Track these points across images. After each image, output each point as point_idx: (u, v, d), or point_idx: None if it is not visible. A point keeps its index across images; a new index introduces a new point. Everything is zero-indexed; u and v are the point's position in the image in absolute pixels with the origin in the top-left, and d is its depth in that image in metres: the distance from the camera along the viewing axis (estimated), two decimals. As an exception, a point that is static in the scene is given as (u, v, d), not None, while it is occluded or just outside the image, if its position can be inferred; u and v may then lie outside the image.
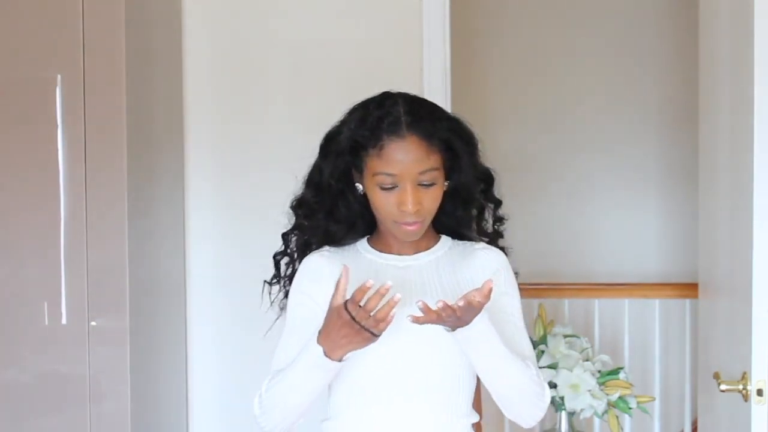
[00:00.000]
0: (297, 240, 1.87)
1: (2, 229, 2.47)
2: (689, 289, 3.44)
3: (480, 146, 1.82)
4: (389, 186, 1.72)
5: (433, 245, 1.83)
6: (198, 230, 2.95)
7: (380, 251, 1.82)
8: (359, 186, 1.78)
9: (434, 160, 1.73)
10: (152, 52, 2.71)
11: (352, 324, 1.57)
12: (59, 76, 2.44)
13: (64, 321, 2.45)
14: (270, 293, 1.93)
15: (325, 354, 1.62)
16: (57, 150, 2.44)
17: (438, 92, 2.81)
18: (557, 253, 4.41)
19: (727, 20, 2.26)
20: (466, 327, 1.61)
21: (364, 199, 1.79)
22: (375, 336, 1.58)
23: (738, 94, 2.12)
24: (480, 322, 1.62)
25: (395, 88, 1.84)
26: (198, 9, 2.92)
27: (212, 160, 2.94)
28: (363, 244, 1.85)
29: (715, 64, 2.40)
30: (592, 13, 4.55)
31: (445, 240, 1.85)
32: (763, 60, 1.95)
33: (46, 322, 2.45)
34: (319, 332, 1.63)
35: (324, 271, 1.79)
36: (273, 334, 1.90)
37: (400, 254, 1.81)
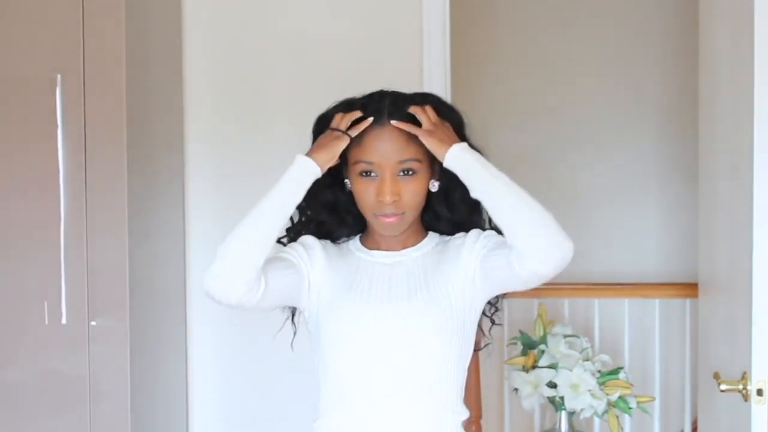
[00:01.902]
0: (292, 227, 1.87)
1: (2, 229, 2.47)
2: (689, 289, 3.44)
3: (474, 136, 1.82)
4: (368, 174, 1.74)
5: (420, 241, 1.84)
6: (198, 230, 2.95)
7: (369, 248, 1.84)
8: (347, 182, 1.79)
9: (415, 151, 1.74)
10: (152, 52, 2.71)
11: (332, 132, 1.74)
12: (59, 76, 2.44)
13: (64, 321, 2.45)
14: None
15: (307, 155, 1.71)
16: (57, 150, 2.44)
17: (438, 91, 2.80)
18: (557, 253, 4.40)
19: (727, 20, 2.26)
20: (449, 148, 1.69)
21: (351, 196, 1.81)
22: (344, 135, 1.73)
23: (738, 94, 2.12)
24: (459, 146, 1.70)
25: (395, 87, 1.85)
26: (198, 9, 2.92)
27: (212, 160, 2.94)
28: (355, 242, 1.87)
29: (715, 65, 2.40)
30: (593, 12, 4.55)
31: (432, 236, 1.86)
32: (763, 60, 1.95)
33: (46, 322, 2.45)
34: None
35: (317, 249, 1.82)
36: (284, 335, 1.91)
37: (387, 250, 1.82)
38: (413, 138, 1.73)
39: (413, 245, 1.83)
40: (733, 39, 2.20)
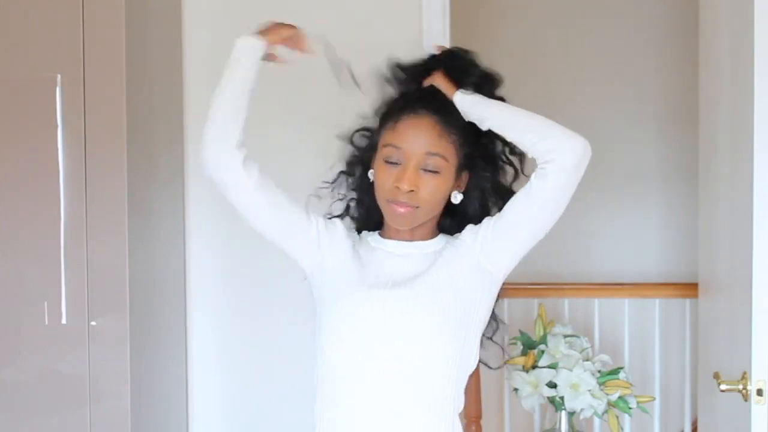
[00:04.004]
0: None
1: (2, 229, 2.47)
2: (689, 289, 3.44)
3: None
4: (394, 161, 1.76)
5: (432, 238, 1.85)
6: (198, 230, 2.95)
7: (383, 237, 1.86)
8: (371, 172, 1.82)
9: (444, 148, 1.76)
10: (152, 52, 2.71)
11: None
12: (59, 76, 2.44)
13: (64, 321, 2.45)
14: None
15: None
16: (57, 150, 2.44)
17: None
18: (557, 253, 4.39)
19: (727, 20, 2.27)
20: (459, 92, 1.79)
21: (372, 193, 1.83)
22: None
23: (738, 94, 2.12)
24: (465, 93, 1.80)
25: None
26: (198, 9, 2.92)
27: (212, 160, 2.94)
28: (372, 234, 1.90)
29: (715, 64, 2.40)
30: (593, 12, 4.55)
31: (441, 237, 1.87)
32: (763, 60, 1.95)
33: (46, 322, 2.45)
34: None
35: (339, 230, 1.86)
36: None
37: (399, 240, 1.83)
38: (446, 136, 1.76)
39: (424, 240, 1.84)
40: (733, 39, 2.20)
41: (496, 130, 1.79)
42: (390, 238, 1.85)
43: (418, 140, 1.74)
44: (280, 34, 1.88)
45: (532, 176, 1.74)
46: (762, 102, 1.95)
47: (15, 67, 2.46)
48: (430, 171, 1.75)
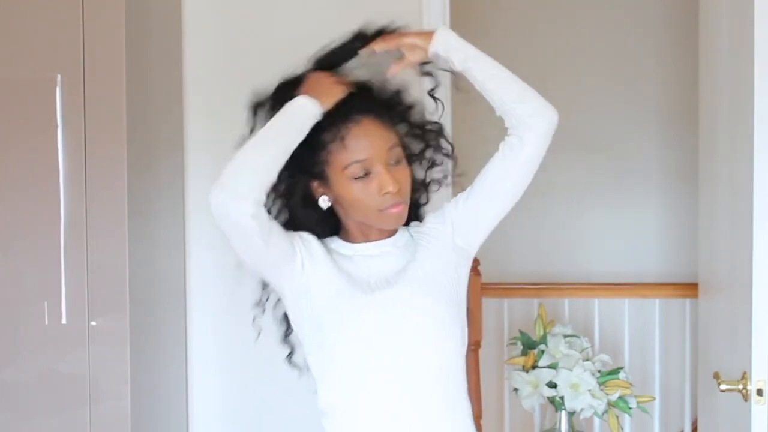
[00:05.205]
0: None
1: (2, 229, 2.47)
2: (689, 288, 3.44)
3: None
4: (363, 175, 1.73)
5: (396, 232, 1.86)
6: (198, 230, 2.95)
7: (351, 243, 1.84)
8: (324, 200, 1.79)
9: (396, 137, 1.79)
10: (152, 52, 2.71)
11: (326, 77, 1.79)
12: (59, 76, 2.44)
13: (64, 321, 2.45)
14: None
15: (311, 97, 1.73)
16: (57, 150, 2.44)
17: (438, 95, 2.80)
18: (557, 253, 4.41)
19: (727, 20, 2.27)
20: (433, 44, 1.78)
21: (324, 211, 1.81)
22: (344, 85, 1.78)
23: (738, 94, 2.12)
24: (443, 29, 1.79)
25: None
26: (198, 9, 2.92)
27: (212, 160, 2.94)
28: (334, 241, 1.86)
29: (715, 65, 2.40)
30: (592, 12, 4.55)
31: (403, 228, 1.88)
32: (763, 60, 1.95)
33: (46, 322, 2.45)
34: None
35: (314, 244, 1.82)
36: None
37: (371, 241, 1.83)
38: (389, 126, 1.78)
39: (391, 235, 1.84)
40: (733, 39, 2.20)
41: (473, 73, 1.79)
42: (359, 242, 1.83)
43: (374, 143, 1.74)
44: (334, 95, 1.76)
45: (503, 146, 1.76)
46: (762, 102, 1.95)
47: (15, 67, 2.46)
48: (396, 164, 1.76)
